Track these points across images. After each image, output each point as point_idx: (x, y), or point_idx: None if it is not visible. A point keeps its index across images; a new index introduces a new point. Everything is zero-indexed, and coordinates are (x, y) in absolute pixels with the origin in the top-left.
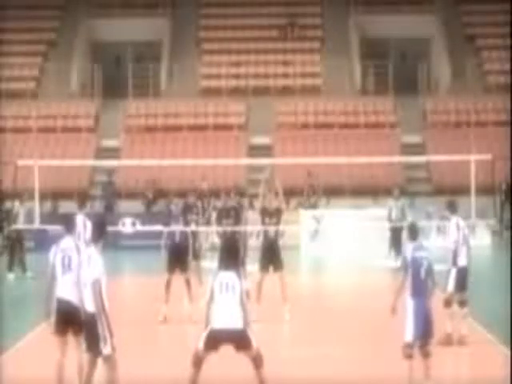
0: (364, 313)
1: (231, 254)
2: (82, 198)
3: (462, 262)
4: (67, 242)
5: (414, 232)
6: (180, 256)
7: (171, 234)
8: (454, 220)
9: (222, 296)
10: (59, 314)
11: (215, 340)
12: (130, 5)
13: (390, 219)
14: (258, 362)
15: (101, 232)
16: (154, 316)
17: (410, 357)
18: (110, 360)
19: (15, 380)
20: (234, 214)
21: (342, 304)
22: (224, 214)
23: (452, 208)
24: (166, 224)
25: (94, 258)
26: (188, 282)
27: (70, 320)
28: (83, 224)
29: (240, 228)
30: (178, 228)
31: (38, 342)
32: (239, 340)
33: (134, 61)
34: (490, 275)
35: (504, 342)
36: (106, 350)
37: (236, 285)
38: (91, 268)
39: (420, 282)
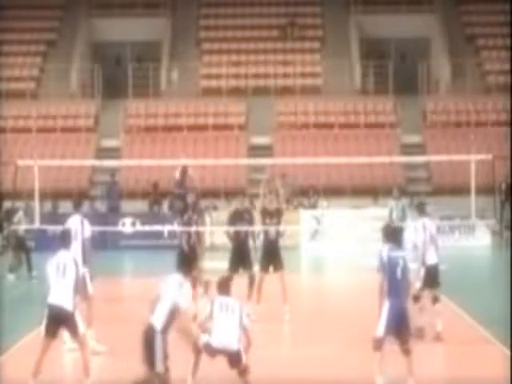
0: (364, 313)
1: (228, 283)
2: (78, 198)
3: (431, 260)
4: (63, 254)
5: (389, 234)
6: (192, 255)
7: (186, 234)
8: (421, 221)
9: (222, 315)
10: (50, 318)
11: (211, 353)
12: (130, 5)
13: (390, 219)
14: (243, 372)
15: (190, 264)
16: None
17: (378, 349)
18: (160, 378)
19: (15, 380)
20: (247, 217)
21: (341, 304)
22: (238, 217)
23: (420, 209)
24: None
25: (186, 288)
26: (195, 281)
27: (62, 324)
28: (81, 223)
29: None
30: (180, 228)
31: (38, 342)
32: (232, 359)
33: (134, 61)
34: (490, 275)
35: (504, 342)
36: (158, 367)
37: (236, 308)
38: (183, 296)
39: (396, 281)
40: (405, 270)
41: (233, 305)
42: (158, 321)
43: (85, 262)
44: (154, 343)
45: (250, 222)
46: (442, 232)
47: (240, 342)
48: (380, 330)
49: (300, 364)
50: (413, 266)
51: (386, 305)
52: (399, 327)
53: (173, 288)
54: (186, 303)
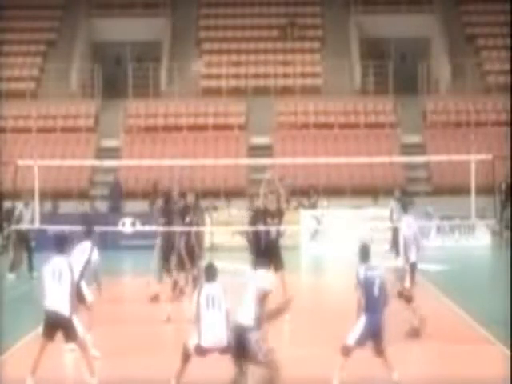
0: None
1: (213, 270)
2: (89, 226)
3: (413, 258)
4: (58, 260)
5: (365, 254)
6: (192, 254)
7: (185, 234)
8: (406, 219)
9: (209, 313)
10: (47, 323)
11: (202, 353)
12: (130, 5)
13: (391, 219)
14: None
15: (268, 259)
16: (154, 316)
17: (346, 355)
18: (268, 364)
19: (15, 380)
20: (278, 216)
21: (341, 304)
22: (261, 216)
23: (404, 208)
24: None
25: (263, 274)
26: (195, 280)
27: (59, 329)
28: (90, 248)
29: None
30: (185, 228)
31: (38, 342)
32: (224, 352)
33: (134, 61)
34: (490, 275)
35: (504, 342)
36: (262, 357)
37: (222, 302)
38: (262, 282)
39: (374, 299)
40: (382, 288)
41: (219, 298)
42: (247, 318)
43: (83, 276)
44: (248, 339)
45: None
46: (442, 232)
47: (229, 337)
48: (351, 339)
49: (300, 363)
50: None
51: (363, 319)
52: (373, 340)
53: (251, 282)
54: (267, 286)
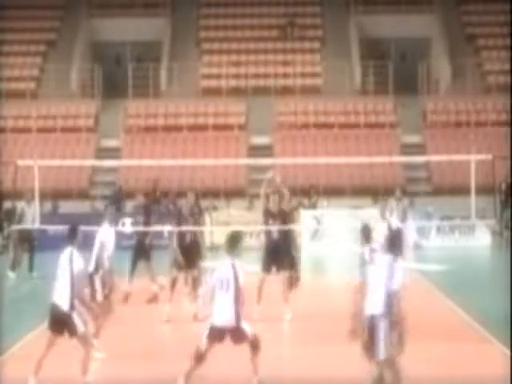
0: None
1: (237, 241)
2: (114, 215)
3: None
4: (65, 252)
5: (367, 234)
6: (190, 255)
7: (181, 234)
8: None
9: (221, 293)
10: (51, 317)
11: (215, 334)
12: (130, 5)
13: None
14: (254, 345)
15: (395, 246)
16: (154, 316)
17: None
18: (386, 363)
19: (16, 380)
20: (280, 217)
21: (341, 303)
22: (271, 215)
23: (384, 208)
24: (177, 224)
25: (396, 268)
26: (195, 280)
27: (62, 323)
28: (104, 232)
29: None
30: (186, 228)
31: (38, 342)
32: (235, 335)
33: (134, 61)
34: (490, 275)
35: (504, 342)
36: (380, 355)
37: (231, 283)
38: (394, 278)
39: None
40: None
41: (228, 278)
42: (375, 307)
43: (99, 267)
44: (377, 329)
45: (285, 221)
46: (442, 232)
47: (239, 319)
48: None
49: (300, 363)
50: (412, 265)
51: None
52: None
53: (384, 271)
54: (397, 285)
